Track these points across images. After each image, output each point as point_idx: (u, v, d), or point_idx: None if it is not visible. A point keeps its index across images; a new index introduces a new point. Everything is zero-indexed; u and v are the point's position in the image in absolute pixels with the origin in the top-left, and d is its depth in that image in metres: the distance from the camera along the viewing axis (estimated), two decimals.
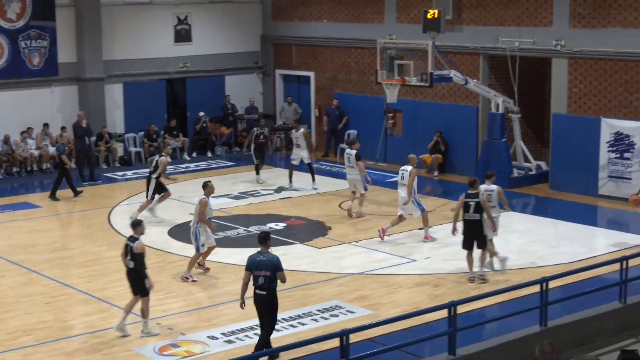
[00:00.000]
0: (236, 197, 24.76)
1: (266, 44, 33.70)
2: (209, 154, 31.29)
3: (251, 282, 13.72)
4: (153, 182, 22.27)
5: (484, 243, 17.55)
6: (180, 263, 18.94)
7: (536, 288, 14.42)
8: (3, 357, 14.23)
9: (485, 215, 17.27)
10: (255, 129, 26.48)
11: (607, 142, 24.01)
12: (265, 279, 13.51)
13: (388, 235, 20.65)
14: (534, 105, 27.46)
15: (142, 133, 30.41)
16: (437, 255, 19.35)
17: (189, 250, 19.82)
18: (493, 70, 27.06)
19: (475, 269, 17.59)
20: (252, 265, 13.65)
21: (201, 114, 31.36)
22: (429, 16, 25.58)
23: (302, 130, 25.83)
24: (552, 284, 14.51)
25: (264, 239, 13.91)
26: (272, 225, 21.68)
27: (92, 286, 17.56)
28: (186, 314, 16.04)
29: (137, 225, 15.13)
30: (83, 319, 15.92)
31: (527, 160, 26.38)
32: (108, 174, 28.19)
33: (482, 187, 18.17)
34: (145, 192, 22.44)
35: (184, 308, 16.32)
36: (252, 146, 26.11)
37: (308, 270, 18.18)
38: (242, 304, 13.93)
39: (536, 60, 26.71)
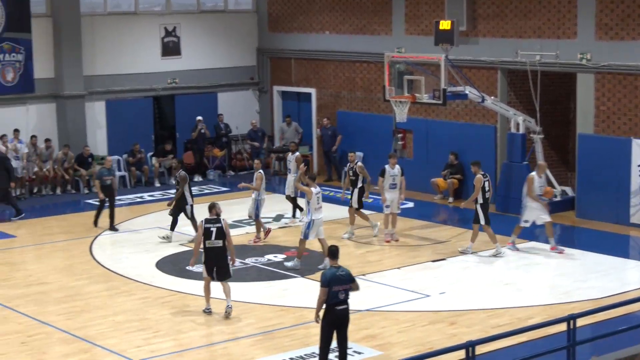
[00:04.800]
0: (231, 226, 24.67)
1: (263, 57, 33.81)
2: (200, 178, 31.25)
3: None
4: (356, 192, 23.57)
5: (227, 273, 17.88)
6: (168, 298, 18.94)
7: (563, 326, 14.38)
8: None
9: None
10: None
11: (639, 166, 24.05)
12: (346, 293, 14.19)
13: (399, 268, 20.78)
14: (557, 125, 27.53)
15: (126, 155, 30.41)
16: (454, 290, 19.33)
17: (179, 284, 19.89)
18: (512, 86, 27.13)
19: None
20: (334, 281, 14.12)
21: (199, 117, 31.30)
22: (441, 27, 25.67)
23: (297, 154, 25.77)
24: (580, 322, 14.46)
25: (336, 253, 14.45)
26: (271, 257, 21.68)
27: (72, 324, 17.53)
28: (176, 354, 15.97)
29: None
30: (63, 359, 15.94)
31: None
32: (89, 200, 28.20)
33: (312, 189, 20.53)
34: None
35: (174, 348, 16.26)
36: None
37: (311, 307, 18.05)
38: (318, 318, 14.46)
39: (559, 75, 26.80)
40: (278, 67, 33.55)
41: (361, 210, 23.70)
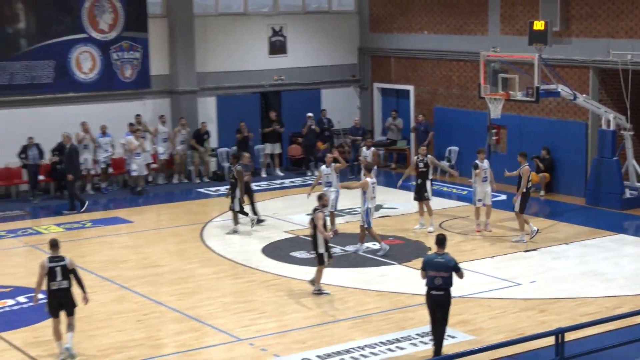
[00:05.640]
0: (338, 215, 24.75)
1: (364, 56, 33.85)
2: (310, 172, 31.20)
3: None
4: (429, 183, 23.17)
5: (318, 259, 18.08)
6: (273, 282, 19.15)
7: None
8: None
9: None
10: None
11: None
12: (442, 280, 14.23)
13: (492, 257, 20.71)
14: None
15: (235, 148, 30.68)
16: (544, 279, 19.15)
17: (285, 268, 20.09)
18: (603, 84, 26.72)
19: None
20: (429, 266, 14.34)
21: (309, 114, 31.28)
22: (535, 28, 25.39)
23: (372, 149, 25.70)
24: None
25: (442, 241, 14.47)
26: (370, 244, 21.70)
27: (183, 304, 17.82)
28: (280, 335, 16.15)
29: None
30: (175, 337, 16.16)
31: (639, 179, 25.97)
32: (200, 189, 28.61)
33: (368, 180, 20.82)
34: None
35: (277, 329, 16.43)
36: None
37: (407, 293, 18.16)
38: None
39: None
40: (378, 65, 33.55)
41: (424, 202, 23.33)
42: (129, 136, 28.06)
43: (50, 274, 14.86)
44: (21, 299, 18.17)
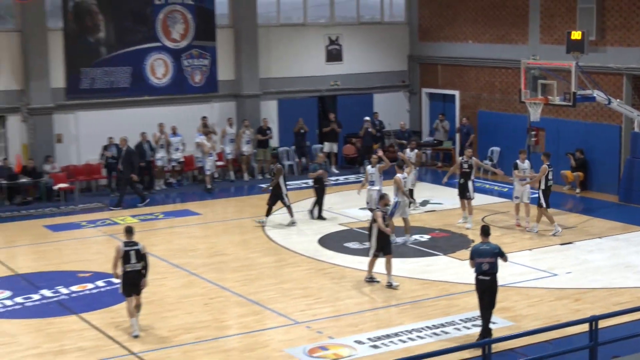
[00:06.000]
0: None
1: (413, 63, 33.72)
2: (358, 167, 31.27)
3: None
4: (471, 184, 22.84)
5: (389, 250, 17.85)
6: (329, 270, 19.18)
7: None
8: (165, 352, 14.70)
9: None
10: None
11: None
12: (489, 265, 14.50)
13: (530, 249, 20.53)
14: None
15: (294, 147, 30.78)
16: (579, 270, 18.96)
17: (339, 258, 20.10)
18: (636, 90, 26.37)
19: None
20: (476, 254, 14.61)
21: (366, 118, 31.13)
22: (572, 37, 25.12)
23: (416, 150, 25.61)
24: None
25: (487, 231, 14.87)
26: (417, 237, 21.64)
27: (246, 289, 17.91)
28: (334, 319, 16.17)
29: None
30: (238, 319, 16.27)
31: None
32: (262, 185, 28.66)
33: (399, 176, 21.09)
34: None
35: (332, 313, 16.46)
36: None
37: (452, 281, 18.11)
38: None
39: None
40: (426, 72, 33.40)
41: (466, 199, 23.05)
42: (202, 136, 28.29)
43: (125, 257, 15.11)
44: (100, 283, 18.42)
